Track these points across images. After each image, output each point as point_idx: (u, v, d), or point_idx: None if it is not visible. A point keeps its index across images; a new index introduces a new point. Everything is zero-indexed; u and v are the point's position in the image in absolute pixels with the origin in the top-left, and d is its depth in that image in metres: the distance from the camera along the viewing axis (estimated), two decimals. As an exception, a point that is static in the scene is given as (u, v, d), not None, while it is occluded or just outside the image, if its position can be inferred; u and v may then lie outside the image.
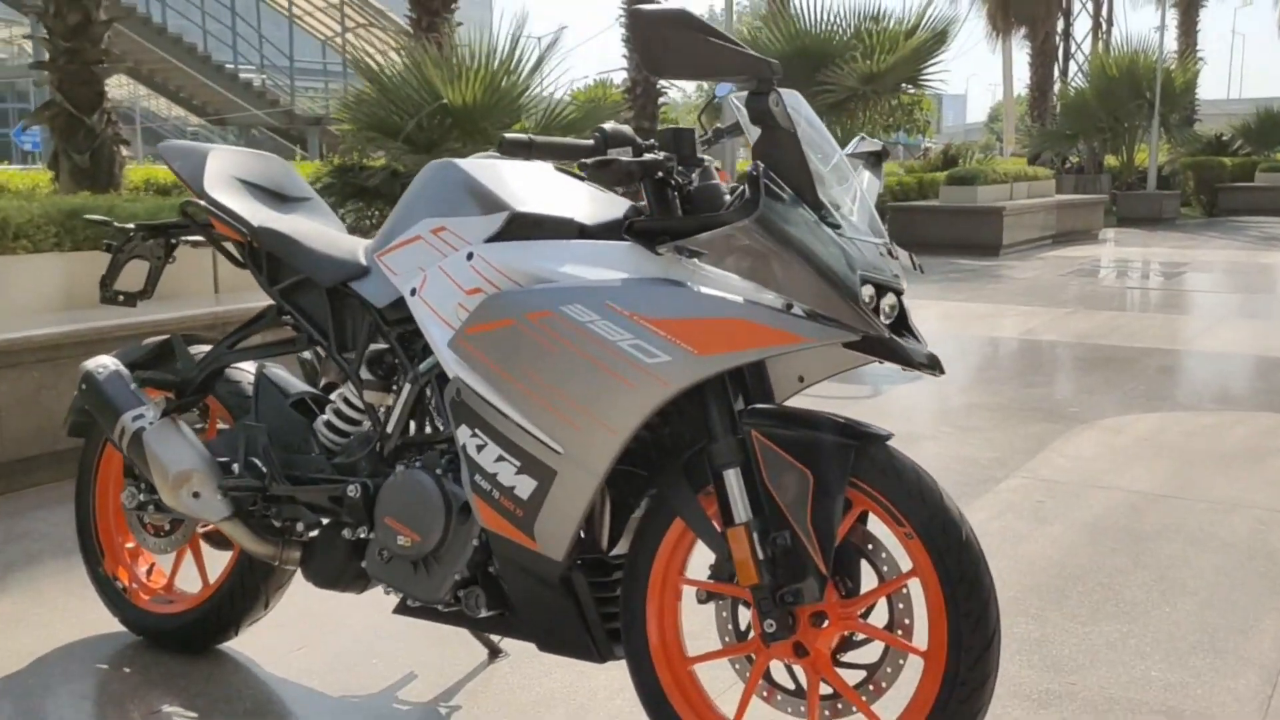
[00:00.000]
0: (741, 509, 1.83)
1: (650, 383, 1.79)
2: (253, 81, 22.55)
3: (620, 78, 14.72)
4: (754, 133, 1.82)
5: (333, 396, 2.35)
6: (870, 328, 1.74)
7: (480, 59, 7.51)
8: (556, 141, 1.82)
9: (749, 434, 1.84)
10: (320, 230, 2.37)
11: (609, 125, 1.87)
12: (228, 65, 22.08)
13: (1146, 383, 5.53)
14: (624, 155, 1.84)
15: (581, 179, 2.14)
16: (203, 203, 2.38)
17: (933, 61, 12.61)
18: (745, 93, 1.82)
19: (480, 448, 1.96)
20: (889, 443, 1.85)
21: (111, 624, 2.60)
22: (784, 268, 1.75)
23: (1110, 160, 21.12)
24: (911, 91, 14.59)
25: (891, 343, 1.76)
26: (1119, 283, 10.38)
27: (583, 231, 2.01)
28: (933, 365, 1.81)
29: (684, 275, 1.82)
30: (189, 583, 2.58)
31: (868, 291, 1.77)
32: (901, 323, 1.85)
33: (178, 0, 21.72)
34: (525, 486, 1.92)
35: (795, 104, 1.91)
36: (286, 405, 2.38)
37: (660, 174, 1.85)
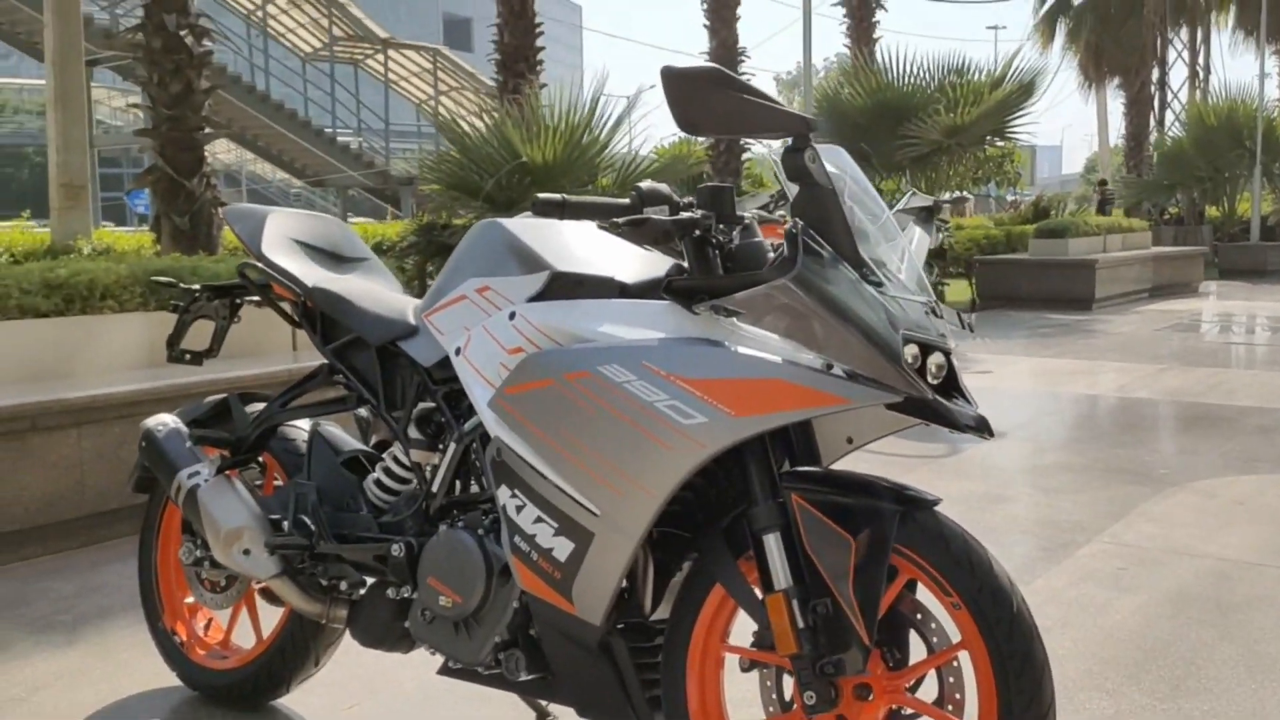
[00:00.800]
0: (781, 575, 1.77)
1: (686, 444, 1.75)
2: (350, 145, 23.32)
3: (704, 134, 14.81)
4: (792, 189, 1.80)
5: (384, 455, 2.37)
6: (913, 389, 1.69)
7: (559, 117, 7.63)
8: (591, 201, 1.82)
9: (789, 497, 1.79)
10: (372, 290, 2.40)
11: (646, 184, 1.86)
12: (326, 129, 22.88)
13: (1244, 443, 5.29)
14: (660, 214, 1.82)
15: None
16: (260, 265, 2.43)
17: (1020, 113, 12.45)
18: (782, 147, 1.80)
19: (519, 508, 1.94)
20: (938, 509, 1.78)
21: (170, 678, 2.63)
22: (823, 327, 1.70)
23: (1211, 211, 20.54)
24: (999, 144, 14.42)
25: (936, 404, 1.70)
26: (1217, 338, 10.01)
27: (623, 290, 1.99)
28: (980, 428, 1.75)
29: (722, 335, 1.79)
30: (245, 638, 2.60)
31: (910, 351, 1.72)
32: (951, 384, 1.79)
33: (279, 69, 22.62)
34: (563, 548, 1.89)
35: (838, 160, 1.87)
36: (338, 463, 2.39)
37: (698, 232, 1.83)
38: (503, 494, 1.97)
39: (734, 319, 1.77)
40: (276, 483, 2.56)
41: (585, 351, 1.87)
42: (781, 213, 8.91)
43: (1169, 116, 23.84)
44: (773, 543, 1.79)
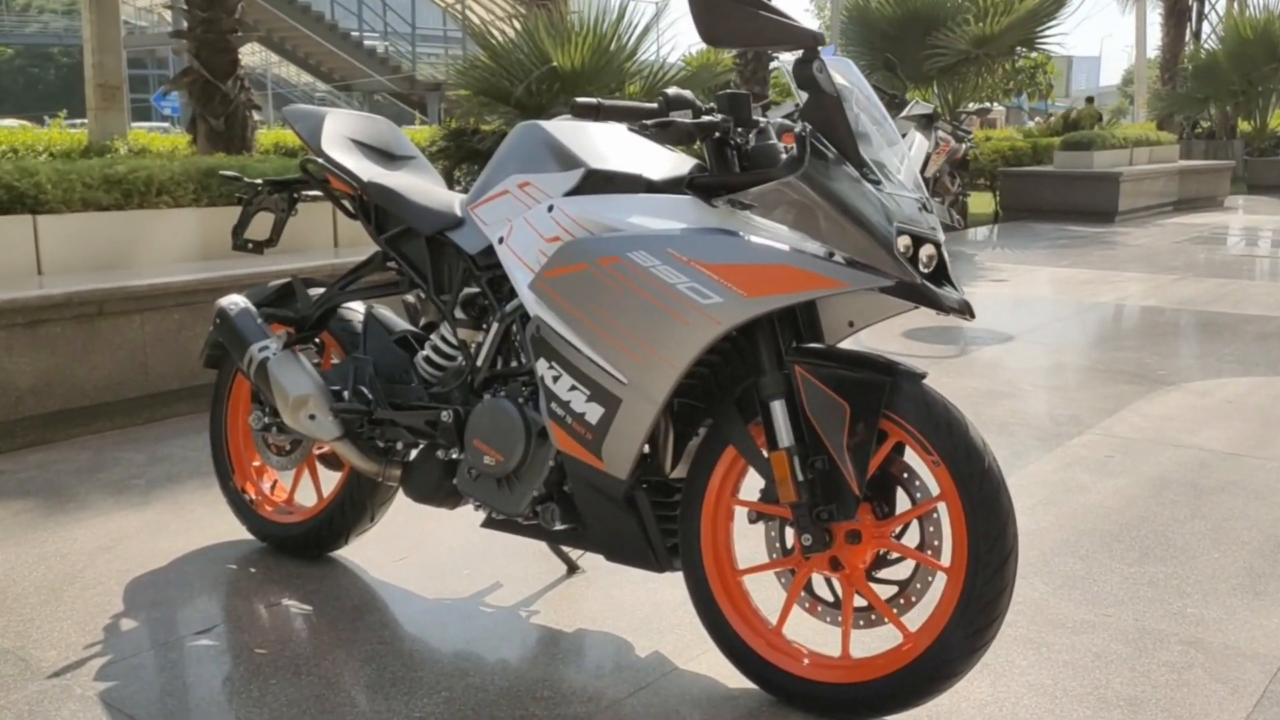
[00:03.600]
0: (785, 435, 2.04)
1: (704, 321, 2.01)
2: (376, 48, 23.27)
3: (731, 42, 14.76)
4: (802, 96, 2.02)
5: (432, 335, 2.63)
6: (904, 274, 1.93)
7: (588, 24, 7.74)
8: (623, 104, 2.05)
9: (793, 369, 2.04)
10: (422, 185, 2.65)
11: (672, 90, 2.08)
12: (353, 33, 22.82)
13: (1242, 348, 5.50)
14: (685, 118, 2.05)
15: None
16: (320, 160, 2.67)
17: (1050, 24, 12.36)
18: (793, 57, 2.02)
19: (556, 378, 2.21)
20: (924, 382, 2.03)
21: (240, 532, 2.95)
22: (826, 219, 1.94)
23: (1243, 125, 20.30)
24: (1030, 55, 14.32)
25: (924, 288, 1.94)
26: (1235, 251, 10.11)
27: (650, 186, 2.23)
28: (963, 310, 1.99)
29: (737, 226, 2.03)
30: (306, 497, 2.91)
31: (903, 242, 1.96)
32: (941, 273, 2.03)
33: (306, -30, 22.46)
34: (594, 413, 2.16)
35: (846, 72, 2.09)
36: (390, 342, 2.67)
37: (718, 134, 2.06)
38: (541, 366, 2.24)
39: (748, 212, 2.01)
40: (334, 361, 2.84)
41: (616, 239, 2.12)
42: (803, 124, 9.04)
43: (1205, 28, 23.39)
44: (778, 408, 2.05)
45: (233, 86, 9.25)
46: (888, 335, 5.70)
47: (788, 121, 2.20)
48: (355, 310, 2.79)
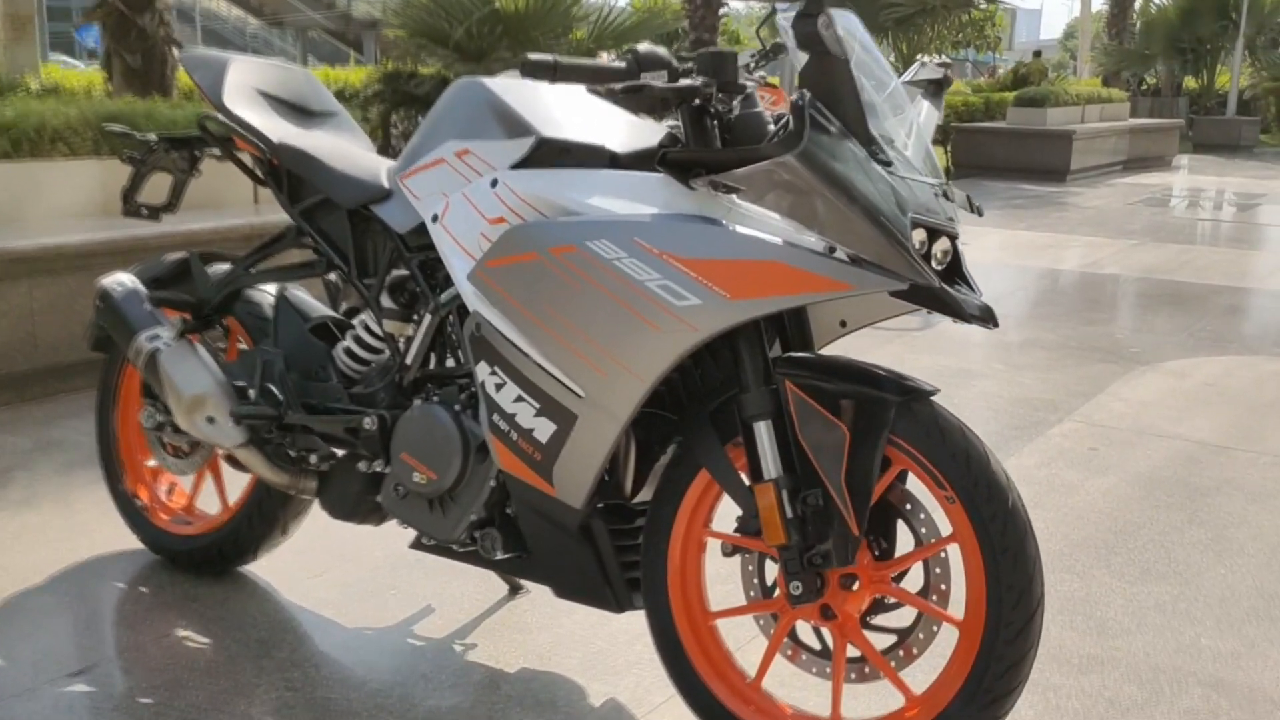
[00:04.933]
0: (771, 464, 1.72)
1: (678, 327, 1.67)
2: (310, -18, 22.33)
3: (680, -15, 14.29)
4: (801, 58, 1.67)
5: (355, 323, 2.27)
6: (919, 276, 1.61)
7: (534, -37, 7.28)
8: (584, 63, 1.68)
9: (782, 384, 1.72)
10: (343, 148, 2.26)
11: (643, 46, 1.73)
12: (285, -36, 21.85)
13: (1214, 323, 5.30)
14: (658, 80, 1.69)
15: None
16: (222, 117, 2.27)
17: (1007, -26, 12.06)
18: (793, 13, 1.67)
19: (499, 386, 1.87)
20: (934, 399, 1.73)
21: (133, 541, 2.58)
22: (828, 208, 1.61)
23: (1189, 82, 20.30)
24: (984, 6, 14.05)
25: (942, 293, 1.63)
26: (1190, 214, 9.99)
27: (614, 160, 1.88)
28: (986, 318, 1.68)
29: (719, 212, 1.69)
30: (210, 503, 2.54)
31: (918, 236, 1.64)
32: (954, 270, 1.72)
33: (235, -104, 21.43)
34: (544, 430, 1.82)
35: (849, 26, 1.75)
36: (306, 330, 2.29)
37: (697, 101, 1.71)
38: (482, 371, 1.89)
39: (733, 196, 1.67)
40: (241, 347, 2.46)
41: (572, 225, 1.77)
42: (761, 74, 8.66)
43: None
44: (764, 430, 1.73)
45: (150, 21, 8.62)
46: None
47: (745, 74, 1.86)
48: (266, 291, 2.41)
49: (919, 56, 13.03)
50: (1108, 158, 13.38)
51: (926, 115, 1.96)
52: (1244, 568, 2.64)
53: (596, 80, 1.69)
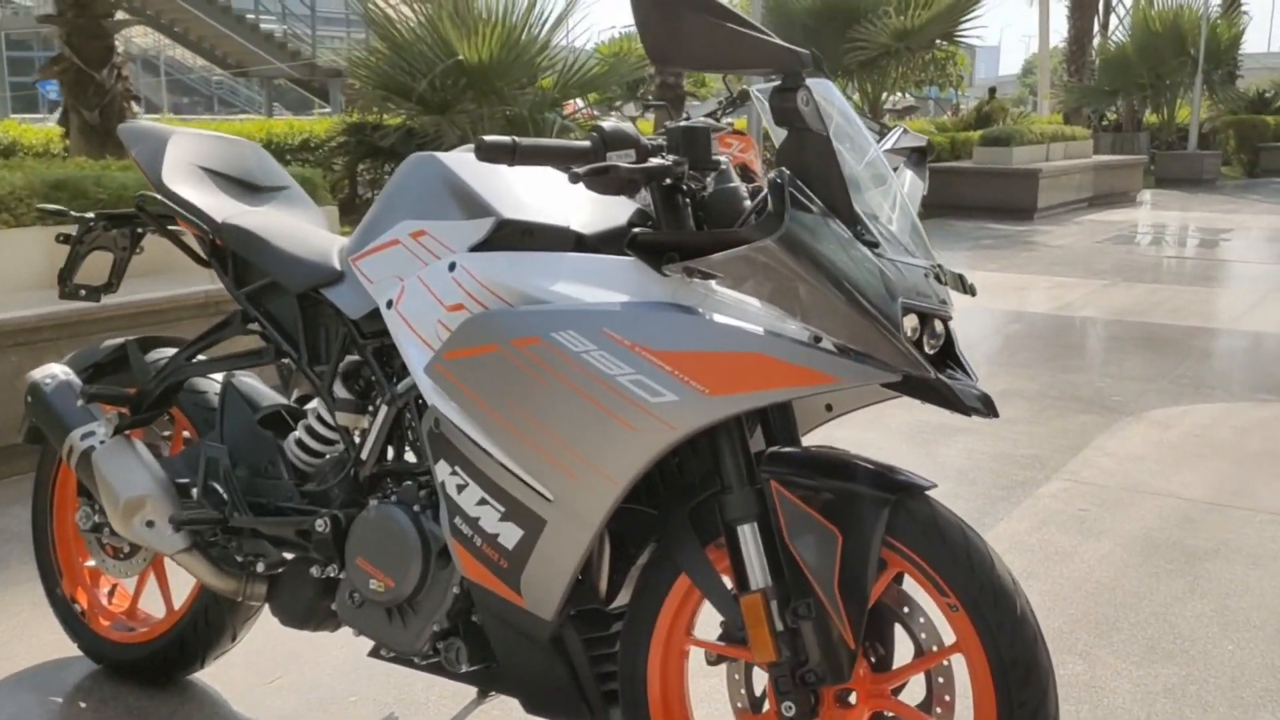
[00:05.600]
0: (759, 573, 1.58)
1: (653, 425, 1.53)
2: (274, 32, 22.25)
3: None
4: (779, 134, 1.56)
5: (307, 409, 2.12)
6: (913, 366, 1.48)
7: (498, 13, 7.20)
8: (545, 144, 1.55)
9: (767, 484, 1.59)
10: (292, 227, 2.12)
11: (609, 124, 1.60)
12: (248, 15, 21.81)
13: (1193, 367, 5.23)
14: (625, 159, 1.57)
15: None
16: (160, 195, 2.13)
17: (969, 15, 12.17)
18: (769, 88, 1.55)
19: (461, 488, 1.72)
20: (931, 494, 1.60)
21: (74, 647, 2.39)
22: (811, 294, 1.48)
23: (1150, 118, 20.53)
24: (946, 47, 14.15)
25: (938, 384, 1.51)
26: (1158, 251, 10.00)
27: (579, 242, 1.75)
28: (986, 409, 1.56)
29: (694, 300, 1.56)
30: (155, 604, 2.37)
31: (910, 323, 1.51)
32: (947, 353, 1.60)
33: (196, -52, 21.35)
34: (510, 535, 1.68)
35: (828, 95, 1.64)
36: (254, 421, 2.14)
37: (669, 180, 1.59)
38: (441, 470, 1.74)
39: (709, 281, 1.54)
40: (186, 435, 2.30)
41: (536, 314, 1.63)
42: (729, 120, 8.58)
43: (1113, 20, 23.62)
44: (748, 534, 1.59)
45: (108, 76, 8.48)
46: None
47: (713, 121, 1.75)
48: (213, 379, 2.25)
49: (885, 96, 13.05)
50: (1073, 195, 13.43)
51: (910, 186, 1.85)
52: (1252, 642, 2.51)
53: (558, 161, 1.56)
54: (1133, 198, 15.02)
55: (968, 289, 1.67)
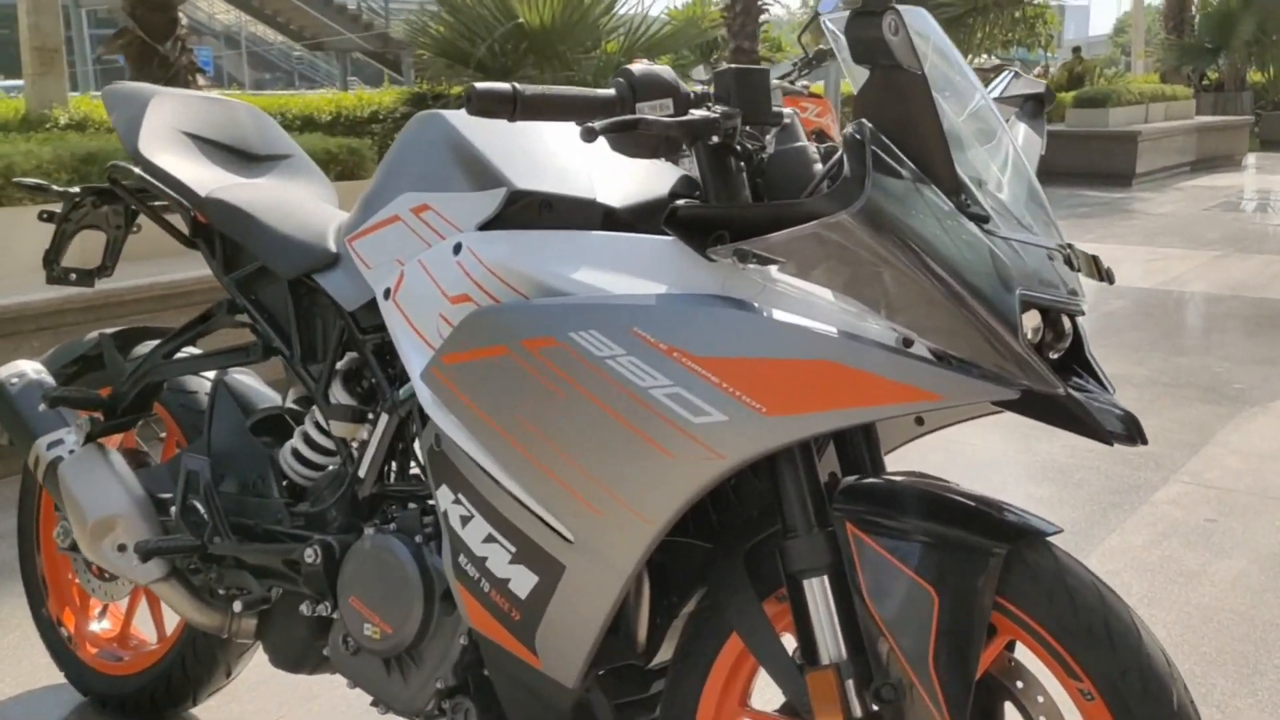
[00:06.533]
0: (830, 643, 1.24)
1: (696, 452, 1.20)
2: (347, 5, 22.17)
3: (719, -7, 13.83)
4: (859, 74, 1.20)
5: (305, 419, 1.82)
6: (1037, 379, 1.13)
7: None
8: (557, 93, 1.22)
9: (842, 526, 1.24)
10: (289, 202, 1.82)
11: (638, 66, 1.25)
12: (323, -12, 21.71)
13: (1323, 349, 4.72)
14: (660, 112, 1.23)
15: None
16: (135, 166, 1.85)
17: (1063, -30, 11.45)
18: (846, 13, 1.20)
19: (465, 520, 1.41)
20: (1055, 539, 1.24)
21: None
22: (901, 284, 1.13)
23: (1254, 76, 19.43)
24: (1037, 3, 13.45)
25: (1070, 403, 1.15)
26: (1271, 219, 9.31)
27: (609, 218, 1.42)
28: (1132, 434, 1.20)
29: (749, 291, 1.22)
30: (148, 629, 2.11)
31: (1031, 321, 1.16)
32: (1074, 357, 1.24)
33: (270, -78, 21.36)
34: (523, 582, 1.36)
35: (921, 26, 1.28)
36: (245, 427, 1.85)
37: (717, 138, 1.24)
38: (443, 497, 1.43)
39: (768, 268, 1.20)
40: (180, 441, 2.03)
41: (553, 309, 1.30)
42: (804, 82, 8.09)
43: (1216, -26, 22.37)
44: (818, 591, 1.25)
45: (172, 48, 8.37)
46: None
47: (788, 84, 1.40)
48: (203, 377, 1.98)
49: (969, 58, 12.44)
50: (1175, 159, 12.69)
51: (1026, 143, 1.47)
52: None
53: (574, 114, 1.23)
54: (1238, 161, 14.17)
55: (1104, 275, 1.30)
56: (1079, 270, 1.23)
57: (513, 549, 1.36)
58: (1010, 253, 1.17)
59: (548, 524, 1.32)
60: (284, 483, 1.79)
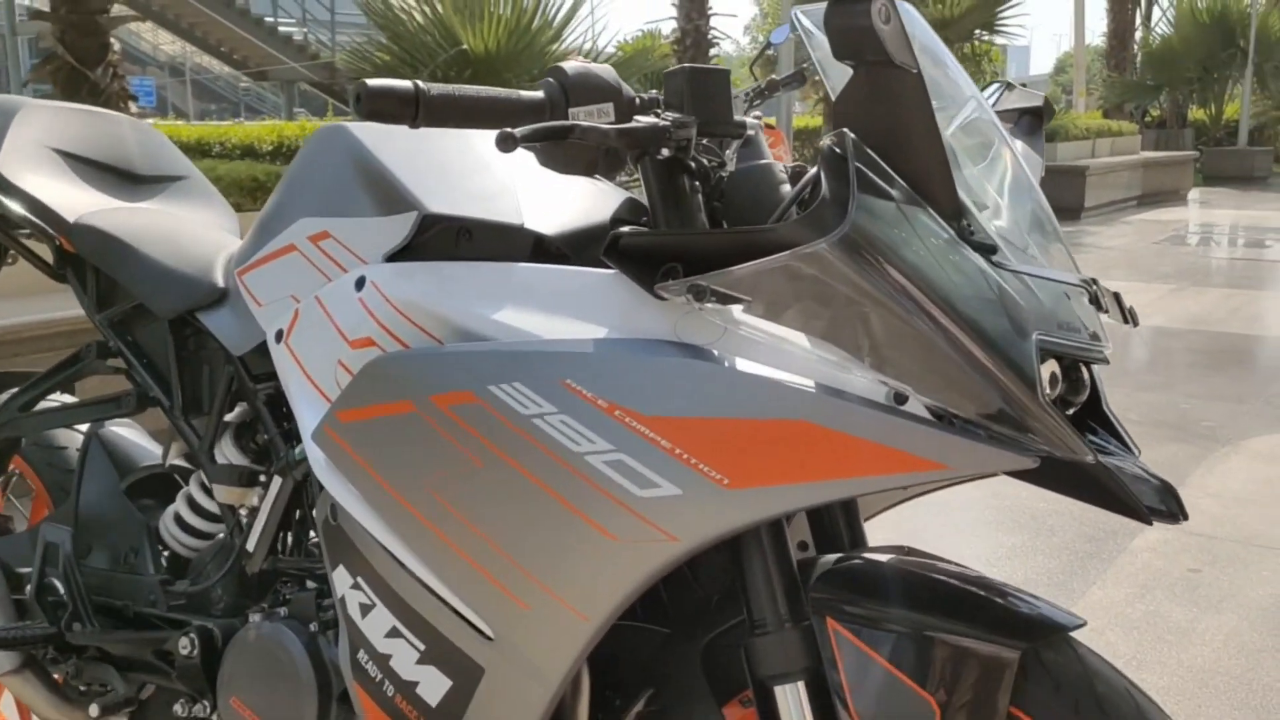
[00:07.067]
0: (807, 767, 1.01)
1: (644, 534, 0.98)
2: (293, 35, 21.91)
3: (669, 27, 13.76)
4: (838, 73, 0.99)
5: (190, 480, 1.57)
6: (1060, 445, 0.92)
7: None
8: (472, 94, 1.00)
9: (822, 623, 1.02)
10: (175, 230, 1.58)
11: (572, 65, 1.03)
12: (267, 19, 21.48)
13: (1288, 385, 4.61)
14: (597, 118, 1.01)
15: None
16: (-7, 188, 1.59)
17: (1010, 5, 11.54)
18: (820, 5, 0.99)
19: (365, 609, 1.17)
20: (1077, 634, 1.03)
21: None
22: (891, 327, 0.92)
23: (1195, 113, 19.75)
24: (985, 39, 13.53)
25: (1101, 472, 0.94)
26: (1222, 252, 9.32)
27: (539, 246, 1.20)
28: (1170, 509, 0.99)
29: (707, 336, 1.00)
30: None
31: (1049, 371, 0.95)
32: (1091, 413, 1.04)
33: (213, -51, 21.04)
34: (433, 686, 1.12)
35: (908, 24, 1.08)
36: (121, 489, 1.60)
37: (666, 151, 1.03)
38: (340, 581, 1.19)
39: (731, 307, 0.98)
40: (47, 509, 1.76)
41: (470, 356, 1.07)
42: (756, 113, 7.95)
43: (1155, 13, 22.80)
44: (791, 700, 1.03)
45: (103, 74, 8.05)
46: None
47: (762, 118, 1.22)
48: (77, 430, 1.72)
49: (1000, 82, 12.49)
50: (1121, 193, 12.76)
51: (1026, 160, 1.28)
52: None
53: (492, 120, 1.01)
54: (1183, 196, 14.30)
55: (1127, 316, 1.10)
56: (1105, 310, 1.03)
57: (421, 646, 1.13)
58: (1023, 290, 0.96)
59: (463, 617, 1.09)
60: (165, 555, 1.54)
